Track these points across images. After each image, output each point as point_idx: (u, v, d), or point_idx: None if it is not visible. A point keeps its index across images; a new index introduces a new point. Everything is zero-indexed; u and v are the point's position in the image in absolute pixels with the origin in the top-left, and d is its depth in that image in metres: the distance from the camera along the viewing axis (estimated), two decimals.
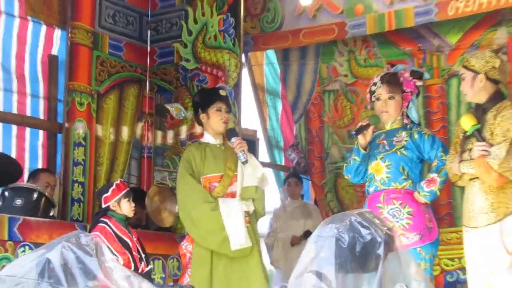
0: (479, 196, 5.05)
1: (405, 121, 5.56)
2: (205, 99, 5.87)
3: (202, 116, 5.84)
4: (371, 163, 5.55)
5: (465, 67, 5.19)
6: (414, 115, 5.57)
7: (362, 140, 5.52)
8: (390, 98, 5.54)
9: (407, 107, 5.56)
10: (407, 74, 5.55)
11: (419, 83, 5.56)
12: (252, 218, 5.78)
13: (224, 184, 5.68)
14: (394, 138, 5.48)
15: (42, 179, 6.68)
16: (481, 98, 5.15)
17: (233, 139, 5.69)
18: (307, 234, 8.19)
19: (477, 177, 5.04)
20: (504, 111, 4.99)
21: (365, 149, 5.54)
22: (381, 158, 5.49)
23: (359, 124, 5.55)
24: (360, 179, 5.69)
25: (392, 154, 5.45)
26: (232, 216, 5.56)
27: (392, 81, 5.57)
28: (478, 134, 4.99)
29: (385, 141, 5.52)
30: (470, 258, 5.19)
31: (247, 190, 5.71)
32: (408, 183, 5.39)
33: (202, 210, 5.60)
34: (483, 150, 4.89)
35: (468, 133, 5.06)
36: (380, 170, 5.48)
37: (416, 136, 5.43)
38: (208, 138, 5.87)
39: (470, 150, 5.02)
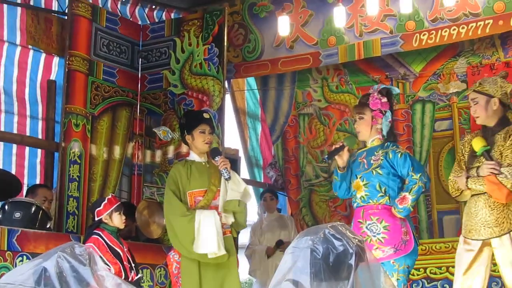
0: (484, 210, 5.05)
1: (378, 136, 5.44)
2: (190, 122, 5.82)
3: (188, 137, 5.80)
4: (353, 181, 5.48)
5: (478, 92, 5.16)
6: (384, 131, 5.45)
7: (340, 161, 5.46)
8: (360, 118, 5.46)
9: (384, 123, 5.44)
10: (376, 93, 5.44)
11: (384, 99, 5.40)
12: (232, 230, 5.75)
13: (208, 198, 5.63)
14: (372, 157, 5.38)
15: (40, 194, 6.63)
16: (492, 121, 5.15)
17: (217, 158, 5.65)
18: (279, 243, 8.18)
19: (482, 193, 5.05)
20: None
21: (343, 168, 5.48)
22: (360, 177, 5.41)
23: (334, 147, 5.50)
24: (344, 194, 5.62)
25: (369, 173, 5.36)
26: (205, 226, 5.49)
27: (362, 102, 5.51)
28: (487, 154, 5.00)
29: (365, 160, 5.42)
30: (459, 267, 5.17)
31: (230, 204, 5.64)
32: (385, 200, 5.30)
33: (180, 223, 5.54)
34: (493, 168, 4.91)
35: (478, 153, 5.07)
36: (360, 188, 5.41)
37: (390, 155, 5.32)
38: (193, 156, 5.82)
39: (477, 168, 5.04)
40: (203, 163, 5.78)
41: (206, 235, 5.45)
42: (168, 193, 5.66)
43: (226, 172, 5.58)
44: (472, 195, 5.16)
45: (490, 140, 5.10)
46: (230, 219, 5.67)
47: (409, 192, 5.23)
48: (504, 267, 4.98)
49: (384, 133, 5.44)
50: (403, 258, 5.17)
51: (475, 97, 5.18)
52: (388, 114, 5.42)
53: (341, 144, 5.44)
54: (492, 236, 5.00)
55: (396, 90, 5.52)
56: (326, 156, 5.58)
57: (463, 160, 5.27)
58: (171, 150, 7.73)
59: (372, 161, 5.37)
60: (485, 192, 5.04)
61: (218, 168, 5.64)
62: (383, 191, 5.32)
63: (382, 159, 5.34)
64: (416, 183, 5.22)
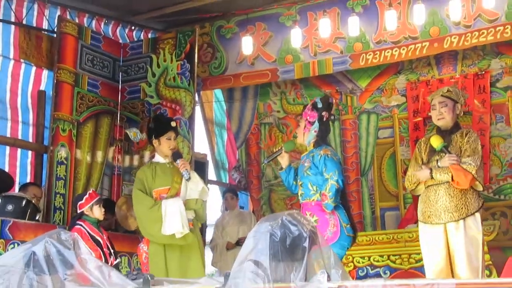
0: (444, 198, 5.14)
1: (310, 143, 5.46)
2: (159, 129, 5.77)
3: (155, 142, 5.76)
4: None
5: (448, 97, 5.28)
6: (307, 139, 5.45)
7: (282, 162, 5.52)
8: (298, 125, 5.57)
9: (311, 132, 5.44)
10: (309, 105, 5.50)
11: (309, 111, 5.42)
12: (194, 223, 5.72)
13: (171, 194, 5.61)
14: (307, 160, 5.40)
15: (30, 191, 6.55)
16: (450, 123, 5.28)
17: (178, 161, 5.63)
18: (239, 241, 8.13)
19: (442, 183, 5.14)
20: (470, 134, 5.19)
21: (281, 169, 5.55)
22: (299, 178, 5.45)
23: (273, 151, 5.56)
24: (292, 189, 5.63)
25: (302, 174, 5.40)
26: (170, 211, 5.50)
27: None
28: (446, 149, 5.13)
29: (304, 163, 5.46)
30: (426, 248, 5.24)
31: (189, 202, 5.63)
32: (317, 196, 5.28)
33: (149, 214, 5.55)
34: (454, 159, 5.04)
35: (437, 149, 5.17)
36: (299, 188, 5.45)
37: (315, 158, 5.34)
38: (158, 158, 5.80)
39: (437, 161, 5.14)
40: (167, 164, 5.75)
41: (171, 218, 5.46)
42: (136, 192, 5.66)
43: (186, 173, 5.56)
44: (428, 186, 5.23)
45: (447, 139, 5.21)
46: (190, 215, 5.64)
47: (326, 190, 5.22)
48: (457, 250, 5.05)
49: (307, 141, 5.47)
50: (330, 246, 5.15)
51: (443, 100, 5.28)
52: (315, 125, 5.43)
53: (279, 148, 5.48)
54: (452, 220, 5.08)
55: (319, 103, 5.52)
56: (266, 159, 5.61)
57: (420, 157, 5.35)
58: (146, 153, 7.71)
59: (305, 164, 5.40)
60: (445, 182, 5.13)
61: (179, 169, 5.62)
62: (314, 189, 5.31)
63: (310, 162, 5.36)
64: (329, 182, 5.20)
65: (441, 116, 5.28)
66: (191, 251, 5.61)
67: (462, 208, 5.07)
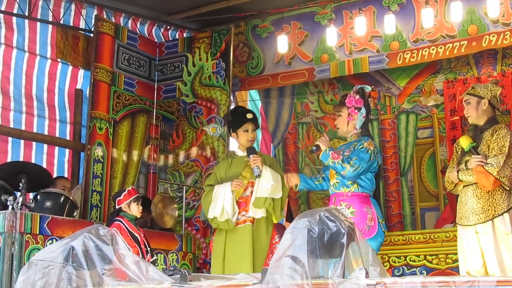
0: (472, 199, 5.12)
1: (355, 131, 5.38)
2: (235, 122, 5.69)
3: (233, 135, 5.72)
4: (331, 170, 5.43)
5: (471, 94, 5.25)
6: (358, 125, 5.36)
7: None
8: (338, 116, 5.45)
9: (359, 117, 5.38)
10: (352, 93, 5.41)
11: (357, 97, 5.36)
12: (260, 222, 5.58)
13: (237, 191, 5.56)
14: (347, 149, 5.31)
15: (59, 184, 6.66)
16: (481, 120, 5.23)
17: (250, 156, 5.53)
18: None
19: (471, 184, 5.13)
20: (500, 130, 5.10)
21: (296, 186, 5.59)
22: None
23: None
24: (323, 189, 5.63)
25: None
26: (215, 198, 5.55)
27: (340, 102, 5.53)
28: (474, 150, 5.09)
29: (341, 152, 5.35)
30: (460, 249, 5.24)
31: (258, 200, 5.51)
32: (354, 187, 5.23)
33: (204, 200, 5.69)
34: (480, 161, 5.01)
35: (466, 149, 5.16)
36: (333, 177, 5.36)
37: (357, 146, 5.26)
38: (238, 151, 5.76)
39: (466, 162, 5.12)
40: (245, 157, 5.66)
41: (215, 203, 5.51)
42: (205, 187, 5.78)
43: (257, 170, 5.43)
44: (463, 187, 5.21)
45: (479, 137, 5.18)
46: (259, 214, 5.53)
47: (343, 159, 5.15)
48: (487, 252, 5.02)
49: (358, 126, 5.37)
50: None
51: (468, 98, 5.27)
52: (363, 110, 5.36)
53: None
54: (478, 222, 5.06)
55: (368, 88, 5.48)
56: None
57: (456, 157, 5.34)
58: (182, 152, 7.81)
59: (345, 153, 5.27)
60: (474, 183, 5.11)
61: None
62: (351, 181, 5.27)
63: (350, 152, 5.26)
64: (349, 164, 5.13)
65: (467, 114, 5.30)
66: (244, 246, 5.49)
67: (488, 209, 5.03)
